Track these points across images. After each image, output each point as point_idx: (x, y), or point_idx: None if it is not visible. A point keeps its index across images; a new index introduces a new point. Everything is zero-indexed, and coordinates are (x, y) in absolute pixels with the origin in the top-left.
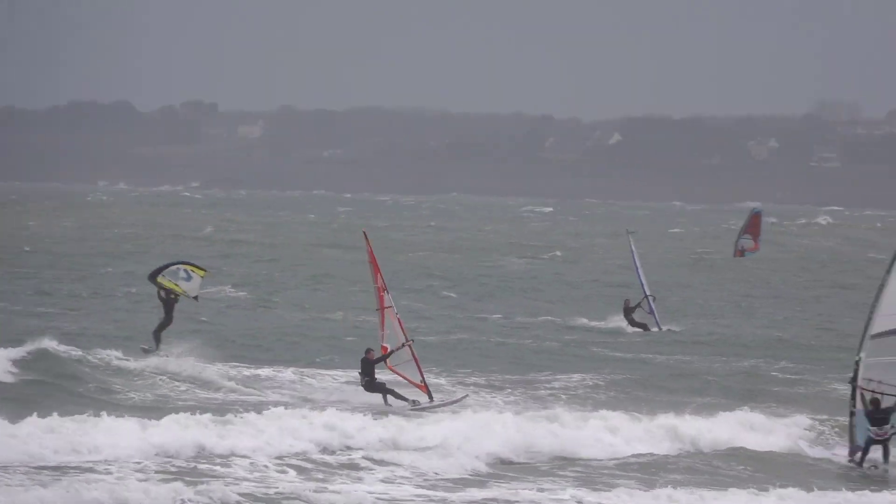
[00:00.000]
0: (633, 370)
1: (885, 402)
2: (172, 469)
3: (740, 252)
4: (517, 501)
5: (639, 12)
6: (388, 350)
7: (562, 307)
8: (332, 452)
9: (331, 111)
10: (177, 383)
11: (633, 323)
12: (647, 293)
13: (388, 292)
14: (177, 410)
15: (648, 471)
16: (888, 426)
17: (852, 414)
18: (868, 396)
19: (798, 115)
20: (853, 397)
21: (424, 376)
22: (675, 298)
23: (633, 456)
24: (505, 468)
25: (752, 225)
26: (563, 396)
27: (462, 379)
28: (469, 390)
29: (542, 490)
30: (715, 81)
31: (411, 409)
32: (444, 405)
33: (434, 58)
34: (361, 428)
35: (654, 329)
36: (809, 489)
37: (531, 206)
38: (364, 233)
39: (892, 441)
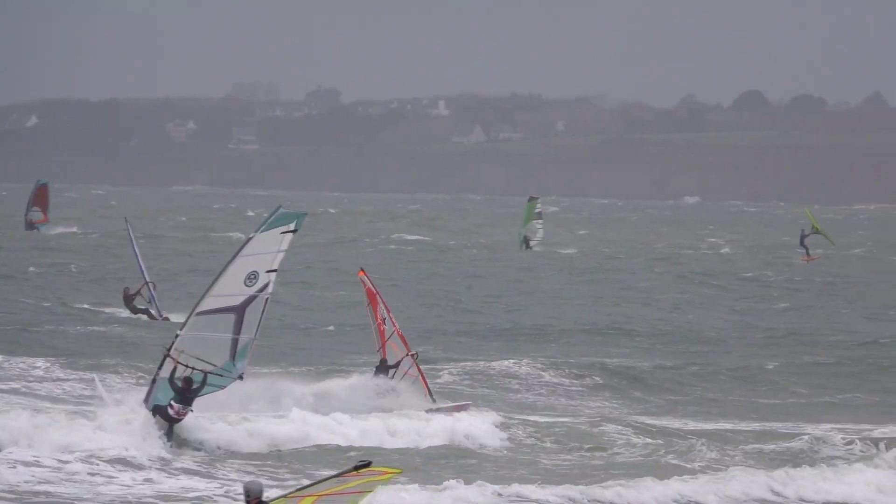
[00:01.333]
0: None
1: (184, 373)
2: None
3: (31, 224)
4: None
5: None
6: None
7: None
8: None
9: None
10: None
11: (134, 311)
12: (148, 280)
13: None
14: None
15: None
16: (190, 408)
17: (154, 381)
18: (183, 373)
19: (218, 97)
20: (161, 366)
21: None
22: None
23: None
24: None
25: (39, 197)
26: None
27: None
28: None
29: None
30: (136, 63)
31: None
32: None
33: None
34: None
35: (157, 317)
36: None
37: None
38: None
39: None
